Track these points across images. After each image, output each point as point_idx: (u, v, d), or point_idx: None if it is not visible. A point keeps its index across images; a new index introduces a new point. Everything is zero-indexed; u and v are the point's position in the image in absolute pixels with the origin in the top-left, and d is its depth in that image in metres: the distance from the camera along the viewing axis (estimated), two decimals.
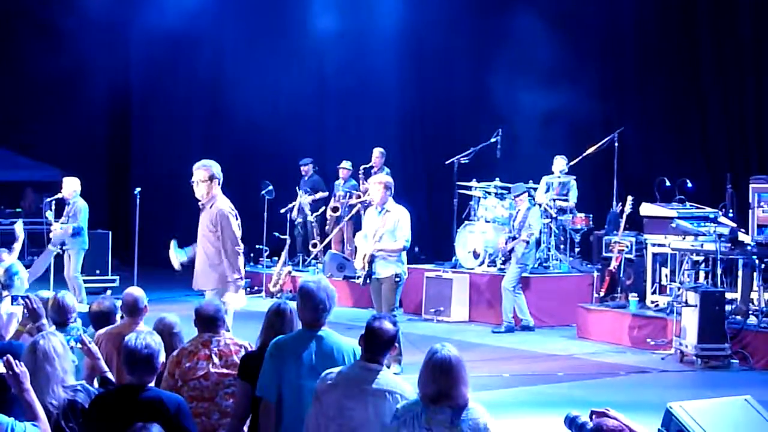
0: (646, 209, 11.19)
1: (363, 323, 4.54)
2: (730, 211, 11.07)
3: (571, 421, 3.89)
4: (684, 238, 10.60)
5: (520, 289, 11.78)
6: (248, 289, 12.86)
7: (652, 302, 11.16)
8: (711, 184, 13.01)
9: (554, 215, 12.88)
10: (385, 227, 8.93)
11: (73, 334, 5.57)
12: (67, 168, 15.06)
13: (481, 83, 15.46)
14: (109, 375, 5.05)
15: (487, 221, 12.89)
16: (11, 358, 4.25)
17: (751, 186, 10.74)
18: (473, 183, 13.37)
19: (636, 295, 11.11)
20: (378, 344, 4.42)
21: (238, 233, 7.66)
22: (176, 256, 7.93)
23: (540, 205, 12.58)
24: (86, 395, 4.56)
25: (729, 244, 10.06)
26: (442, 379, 4.01)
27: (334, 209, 14.80)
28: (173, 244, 8.00)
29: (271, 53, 17.42)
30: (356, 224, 12.96)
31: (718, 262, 10.18)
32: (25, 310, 5.88)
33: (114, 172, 19.93)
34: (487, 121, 14.75)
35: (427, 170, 16.71)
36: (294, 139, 17.22)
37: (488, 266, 12.72)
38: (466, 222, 13.22)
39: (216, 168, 7.78)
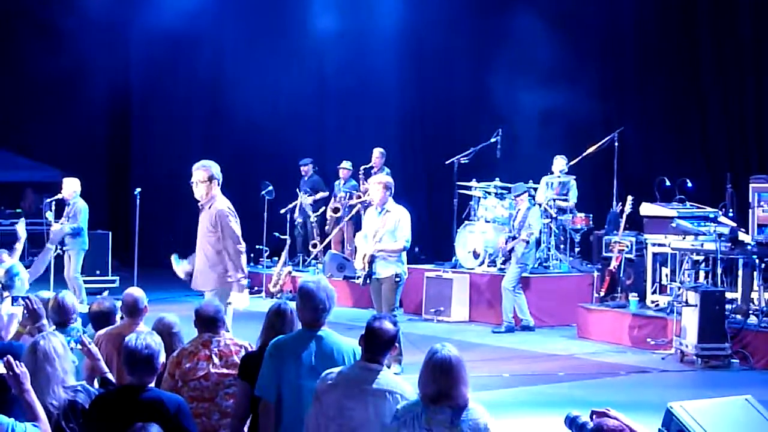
0: (646, 209, 11.19)
1: (363, 323, 4.54)
2: (730, 210, 11.07)
3: (571, 421, 3.89)
4: (684, 238, 10.60)
5: (521, 289, 11.78)
6: (248, 290, 12.83)
7: (653, 302, 11.16)
8: (711, 184, 13.01)
9: (554, 215, 12.88)
10: (385, 227, 8.93)
11: (73, 335, 5.57)
12: (67, 168, 15.07)
13: (481, 83, 15.46)
14: (109, 376, 5.04)
15: (487, 221, 12.89)
16: (11, 359, 4.25)
17: (751, 185, 10.74)
18: (473, 183, 13.37)
19: (636, 294, 11.11)
20: (378, 344, 4.42)
21: (239, 232, 7.66)
22: (180, 268, 7.95)
23: (540, 205, 12.58)
24: (86, 396, 4.56)
25: (729, 244, 10.06)
26: (442, 379, 4.01)
27: (335, 210, 14.79)
28: (174, 258, 8.01)
29: (271, 53, 17.42)
30: (356, 224, 12.96)
31: (719, 261, 10.18)
32: (26, 311, 5.87)
33: (114, 172, 19.93)
34: (487, 121, 14.76)
35: (427, 170, 16.72)
36: (294, 139, 17.22)
37: (488, 266, 12.72)
38: (466, 222, 13.22)
39: (215, 168, 7.77)
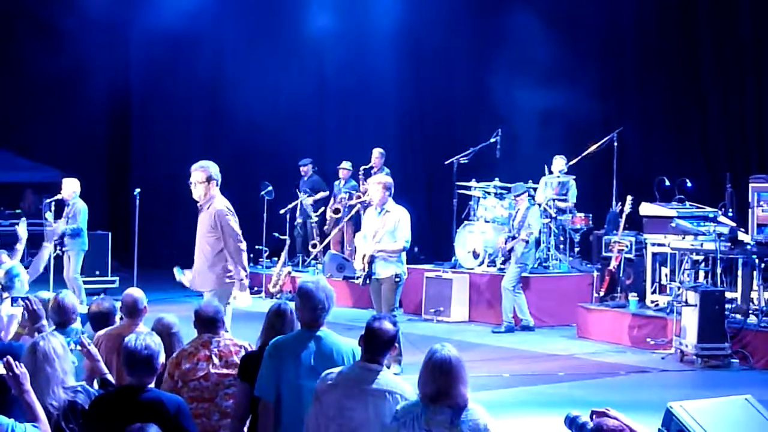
0: (646, 209, 11.19)
1: (363, 323, 4.55)
2: (730, 210, 11.07)
3: (571, 421, 3.89)
4: (684, 238, 10.59)
5: (521, 289, 11.78)
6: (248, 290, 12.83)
7: (652, 302, 11.16)
8: (710, 184, 13.01)
9: (554, 215, 12.88)
10: (385, 228, 8.93)
11: (73, 336, 5.56)
12: (67, 169, 15.07)
13: (481, 83, 15.47)
14: (109, 377, 5.04)
15: (486, 221, 12.89)
16: (11, 360, 4.25)
17: (750, 185, 10.74)
18: (473, 183, 13.37)
19: (636, 294, 11.11)
20: (378, 344, 4.42)
21: (239, 230, 7.66)
22: (185, 278, 7.96)
23: (540, 205, 12.58)
24: (86, 396, 4.56)
25: (729, 244, 10.06)
26: (441, 379, 4.02)
27: (336, 211, 14.78)
28: (176, 270, 8.02)
29: (271, 53, 17.42)
30: (356, 225, 12.96)
31: (718, 261, 10.18)
32: (25, 312, 5.87)
33: (114, 172, 19.92)
34: (486, 121, 14.76)
35: (427, 170, 16.72)
36: (294, 139, 17.22)
37: (488, 266, 12.72)
38: (466, 222, 13.22)
39: (214, 169, 7.77)
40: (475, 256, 12.82)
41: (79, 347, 5.09)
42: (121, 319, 6.03)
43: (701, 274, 10.57)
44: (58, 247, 11.95)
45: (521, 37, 14.77)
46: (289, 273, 14.31)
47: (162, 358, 4.50)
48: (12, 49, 18.17)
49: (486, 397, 6.88)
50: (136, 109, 20.13)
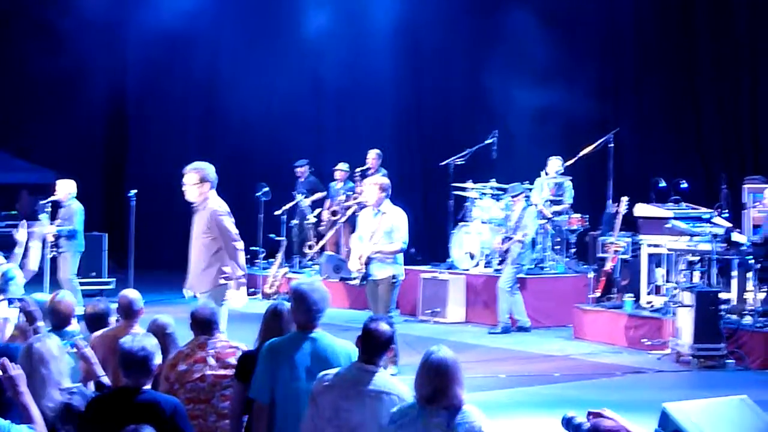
0: (642, 210, 11.20)
1: (359, 325, 4.55)
2: (725, 211, 11.08)
3: (567, 422, 3.89)
4: (679, 239, 10.61)
5: (517, 290, 11.78)
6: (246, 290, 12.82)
7: (648, 302, 11.16)
8: (706, 185, 13.04)
9: (550, 216, 12.89)
10: (381, 229, 8.92)
11: (68, 339, 5.55)
12: (63, 170, 15.02)
13: (478, 84, 15.47)
14: (105, 379, 5.03)
15: (482, 222, 12.90)
16: (7, 361, 4.24)
17: (745, 186, 10.78)
18: (469, 184, 13.37)
19: (632, 295, 11.12)
20: (375, 346, 4.42)
21: (234, 230, 7.66)
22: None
23: (536, 206, 12.58)
24: (82, 398, 4.55)
25: (724, 244, 10.08)
26: (437, 381, 4.02)
27: (334, 213, 14.76)
28: (186, 291, 8.04)
29: (268, 54, 17.41)
30: (352, 226, 12.95)
31: (714, 262, 10.19)
32: (22, 313, 5.86)
33: (110, 173, 19.88)
34: (483, 121, 14.76)
35: (423, 171, 16.72)
36: (290, 139, 17.21)
37: (484, 267, 12.73)
38: (462, 223, 13.22)
39: (208, 170, 7.75)
40: (472, 257, 12.82)
41: (74, 350, 5.08)
42: (117, 320, 6.03)
43: (697, 274, 10.58)
44: (54, 249, 11.92)
45: (518, 38, 14.78)
46: (286, 274, 14.30)
47: (158, 360, 4.50)
48: (8, 50, 18.13)
49: (482, 398, 6.89)
50: (132, 110, 20.09)
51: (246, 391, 4.86)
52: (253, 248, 14.78)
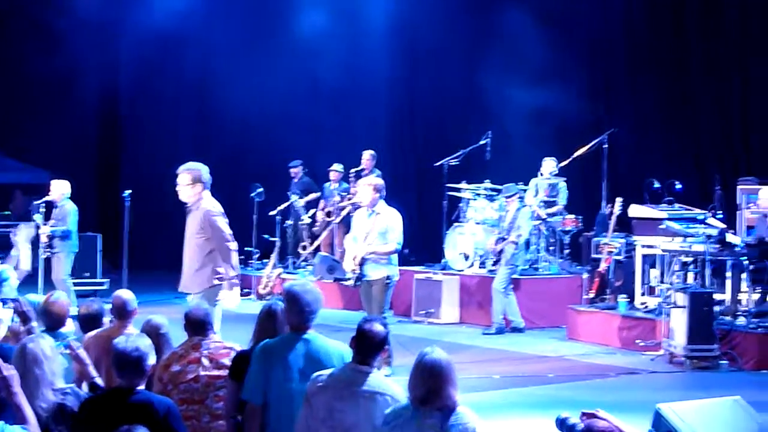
0: (635, 211, 11.22)
1: (353, 325, 4.55)
2: (719, 212, 11.10)
3: (561, 423, 3.89)
4: (673, 240, 10.63)
5: (511, 291, 11.79)
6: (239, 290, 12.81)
7: (642, 303, 11.18)
8: (699, 186, 13.06)
9: (544, 217, 12.90)
10: (376, 229, 8.93)
11: (62, 340, 5.54)
12: (57, 170, 14.99)
13: (472, 84, 15.48)
14: (98, 381, 5.02)
15: (476, 223, 12.90)
16: (0, 362, 4.23)
17: (739, 187, 10.79)
18: (463, 185, 13.38)
19: (625, 296, 11.13)
20: (369, 346, 4.43)
21: (228, 231, 7.65)
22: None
23: (530, 207, 12.59)
24: (75, 398, 4.54)
25: (718, 246, 10.09)
26: (431, 381, 4.03)
27: (328, 214, 14.75)
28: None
29: (262, 53, 17.39)
30: (347, 226, 12.94)
31: (707, 263, 10.20)
32: (15, 314, 5.85)
33: (104, 173, 19.84)
34: (477, 122, 14.76)
35: (417, 172, 16.72)
36: (284, 140, 17.19)
37: (478, 268, 12.73)
38: (456, 224, 13.23)
39: (202, 170, 7.73)
40: (465, 257, 12.82)
41: (68, 351, 5.07)
42: (111, 321, 6.02)
43: (690, 275, 10.59)
44: (48, 249, 11.90)
45: (512, 38, 14.79)
46: (280, 275, 14.29)
47: (152, 360, 4.49)
48: (1, 50, 18.09)
49: (476, 399, 6.89)
50: (126, 110, 20.05)
51: (239, 390, 4.85)
52: (247, 249, 14.77)
